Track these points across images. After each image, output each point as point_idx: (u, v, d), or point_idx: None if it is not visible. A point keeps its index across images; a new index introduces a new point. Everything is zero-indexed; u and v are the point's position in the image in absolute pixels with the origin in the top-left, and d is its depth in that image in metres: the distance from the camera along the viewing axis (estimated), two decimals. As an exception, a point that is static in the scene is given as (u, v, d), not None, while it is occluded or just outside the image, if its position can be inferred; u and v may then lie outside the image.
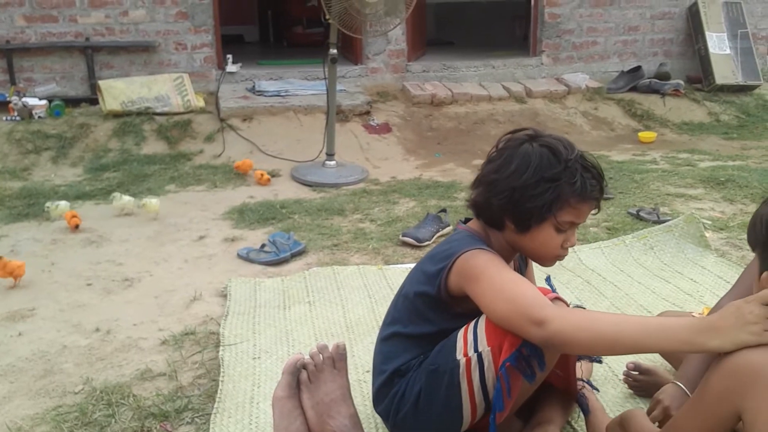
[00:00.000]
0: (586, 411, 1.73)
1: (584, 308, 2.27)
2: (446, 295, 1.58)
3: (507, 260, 1.62)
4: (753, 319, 1.25)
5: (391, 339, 1.70)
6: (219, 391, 1.99)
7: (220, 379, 2.06)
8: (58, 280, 2.87)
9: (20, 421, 1.92)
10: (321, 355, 1.72)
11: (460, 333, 1.56)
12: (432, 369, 1.58)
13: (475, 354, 1.52)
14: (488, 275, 1.50)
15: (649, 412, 1.70)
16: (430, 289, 1.60)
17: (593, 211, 1.61)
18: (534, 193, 1.53)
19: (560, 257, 1.63)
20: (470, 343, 1.53)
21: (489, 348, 1.50)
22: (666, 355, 1.98)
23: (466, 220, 1.73)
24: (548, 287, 1.74)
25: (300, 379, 1.70)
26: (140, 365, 2.19)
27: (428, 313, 1.63)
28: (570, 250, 1.65)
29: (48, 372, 2.17)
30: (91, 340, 2.37)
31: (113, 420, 1.90)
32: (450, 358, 1.55)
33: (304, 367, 1.70)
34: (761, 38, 6.63)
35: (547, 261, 1.65)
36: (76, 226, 3.39)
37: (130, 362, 2.22)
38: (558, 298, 1.50)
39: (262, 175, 4.24)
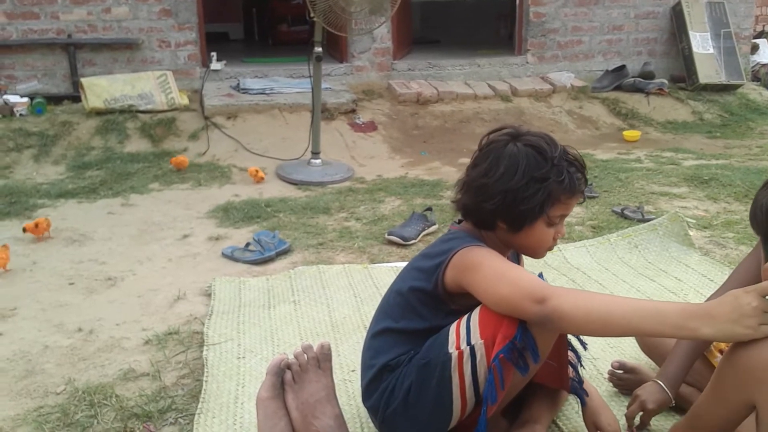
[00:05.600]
0: (582, 400, 1.73)
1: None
2: (442, 290, 1.59)
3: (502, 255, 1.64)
4: (749, 312, 1.23)
5: (381, 334, 1.70)
6: (203, 391, 1.97)
7: (204, 379, 2.04)
8: (39, 280, 2.84)
9: (1, 422, 1.89)
10: (305, 355, 1.71)
11: (453, 327, 1.57)
12: (423, 363, 1.58)
13: (468, 347, 1.52)
14: (488, 264, 1.53)
15: (629, 407, 1.71)
16: (426, 285, 1.61)
17: (579, 201, 1.65)
18: (526, 194, 1.55)
19: (551, 248, 1.67)
20: (463, 337, 1.53)
21: (482, 341, 1.50)
22: (650, 352, 1.98)
23: (460, 221, 1.74)
24: None
25: (284, 379, 1.68)
26: (123, 365, 2.17)
27: (421, 309, 1.63)
28: (555, 248, 1.68)
29: (29, 372, 2.14)
30: (73, 340, 2.34)
31: (96, 421, 1.88)
32: (442, 352, 1.55)
33: (289, 367, 1.69)
34: (744, 38, 6.68)
35: (539, 254, 1.68)
36: (36, 225, 3.22)
37: (113, 362, 2.20)
38: None
39: (256, 171, 4.22)
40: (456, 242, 1.61)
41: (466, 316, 1.56)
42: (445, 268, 1.57)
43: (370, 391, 1.69)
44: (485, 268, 1.52)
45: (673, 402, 1.70)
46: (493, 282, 1.50)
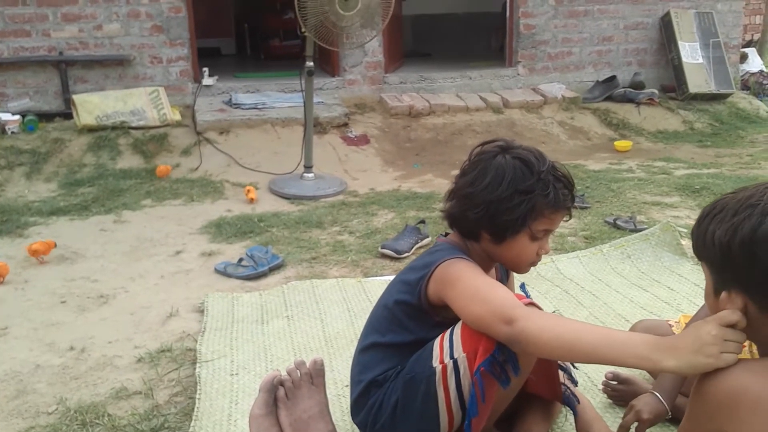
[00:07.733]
0: (574, 410, 1.72)
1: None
2: (426, 303, 1.59)
3: (486, 269, 1.64)
4: (710, 341, 1.21)
5: (368, 350, 1.70)
6: (196, 409, 1.96)
7: (197, 396, 2.03)
8: (31, 298, 2.82)
9: (-8, 443, 1.88)
10: (298, 372, 1.71)
11: (437, 341, 1.57)
12: (409, 378, 1.58)
13: (451, 361, 1.52)
14: (465, 279, 1.53)
15: (624, 417, 1.71)
16: (410, 298, 1.62)
17: (565, 219, 1.65)
18: (509, 206, 1.56)
19: (534, 264, 1.68)
20: (446, 351, 1.54)
21: (464, 354, 1.51)
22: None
23: (446, 234, 1.75)
24: (523, 294, 1.76)
25: (277, 396, 1.68)
26: (115, 384, 2.16)
27: (407, 322, 1.64)
28: (548, 259, 1.69)
29: (21, 392, 2.13)
30: (65, 358, 2.33)
31: (88, 441, 1.87)
32: (426, 366, 1.56)
33: (281, 383, 1.69)
34: (733, 47, 6.74)
35: (522, 268, 1.69)
36: (35, 252, 3.16)
37: (105, 381, 2.18)
38: (532, 304, 1.50)
39: (248, 191, 4.17)
40: (439, 254, 1.62)
41: (449, 330, 1.57)
42: (428, 280, 1.58)
43: (358, 407, 1.69)
44: (462, 284, 1.53)
45: (670, 414, 1.70)
46: (467, 299, 1.51)
